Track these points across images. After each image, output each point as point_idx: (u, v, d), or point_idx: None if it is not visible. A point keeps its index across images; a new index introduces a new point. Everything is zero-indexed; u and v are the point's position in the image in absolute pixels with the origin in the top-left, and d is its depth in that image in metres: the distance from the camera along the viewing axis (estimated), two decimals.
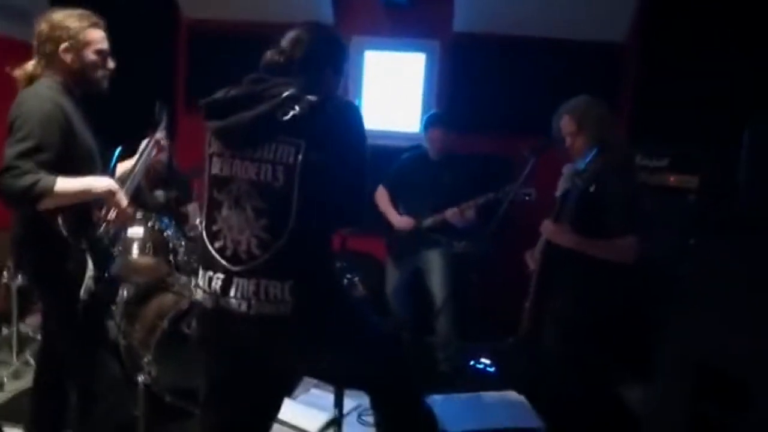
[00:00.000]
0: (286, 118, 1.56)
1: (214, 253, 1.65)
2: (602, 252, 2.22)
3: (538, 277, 2.44)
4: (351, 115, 1.66)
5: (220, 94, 1.66)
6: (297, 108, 1.57)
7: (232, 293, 1.60)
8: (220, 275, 1.62)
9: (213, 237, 1.66)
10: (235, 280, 1.60)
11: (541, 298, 2.44)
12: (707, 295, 1.99)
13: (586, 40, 4.09)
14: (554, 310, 2.37)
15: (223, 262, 1.63)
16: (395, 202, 3.62)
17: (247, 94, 1.62)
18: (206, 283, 1.65)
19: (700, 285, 2.07)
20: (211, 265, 1.65)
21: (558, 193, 2.45)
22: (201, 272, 1.69)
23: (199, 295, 1.69)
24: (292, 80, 1.62)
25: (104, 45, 2.07)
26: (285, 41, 1.71)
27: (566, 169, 2.41)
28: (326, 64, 1.73)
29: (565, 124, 2.36)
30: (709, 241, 2.19)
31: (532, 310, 2.47)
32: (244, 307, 1.58)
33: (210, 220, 1.68)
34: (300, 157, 1.57)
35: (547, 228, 2.36)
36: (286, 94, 1.57)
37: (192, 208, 3.65)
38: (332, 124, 1.60)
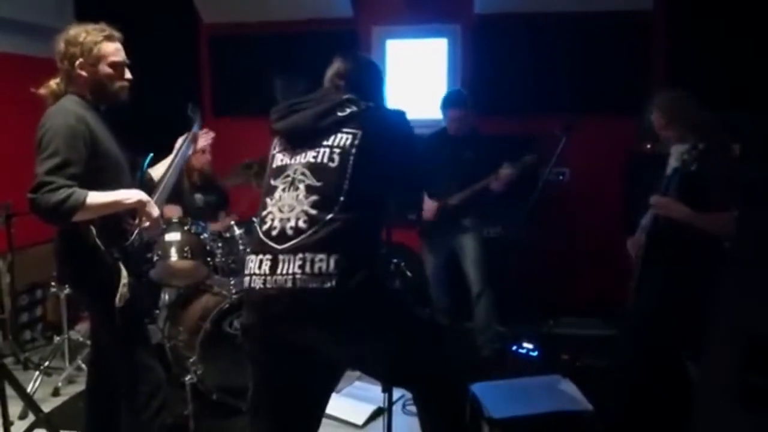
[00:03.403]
0: (344, 113, 1.73)
1: (262, 236, 1.72)
2: (710, 225, 2.26)
3: (644, 257, 2.46)
4: (402, 117, 1.84)
5: (286, 102, 1.84)
6: (354, 107, 1.75)
7: (278, 270, 1.65)
8: (269, 256, 1.68)
9: (262, 221, 1.75)
10: (281, 257, 1.66)
11: (644, 278, 2.47)
12: (754, 265, 1.93)
13: (612, 11, 3.98)
14: (653, 288, 2.41)
15: (270, 243, 1.69)
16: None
17: (310, 99, 1.80)
18: (257, 266, 1.70)
19: (747, 254, 2.01)
20: (260, 248, 1.72)
21: (668, 172, 2.46)
22: (250, 258, 1.75)
23: (247, 280, 1.73)
24: (350, 92, 1.81)
25: (119, 57, 2.07)
26: (333, 74, 1.90)
27: (674, 149, 2.43)
28: (373, 83, 1.93)
29: (655, 118, 2.45)
30: (754, 209, 2.12)
31: (637, 289, 2.50)
32: (289, 283, 1.63)
33: (262, 207, 1.78)
34: (356, 142, 1.71)
35: (659, 201, 2.39)
36: (346, 96, 1.78)
37: (222, 215, 3.71)
38: (386, 122, 1.80)
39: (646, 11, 3.99)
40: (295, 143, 1.79)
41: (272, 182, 1.79)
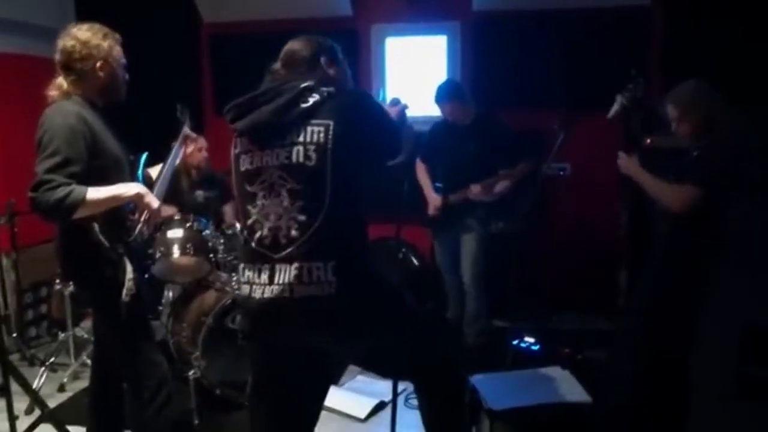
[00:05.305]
0: (307, 105, 1.64)
1: (254, 245, 1.68)
2: (653, 189, 2.36)
3: (631, 251, 2.56)
4: (366, 95, 1.81)
5: (241, 98, 1.73)
6: (316, 95, 1.65)
7: (276, 280, 1.63)
8: (267, 265, 1.65)
9: (251, 230, 1.70)
10: (278, 266, 1.63)
11: (635, 269, 2.52)
12: (752, 256, 1.94)
13: (610, 6, 3.99)
14: (649, 280, 2.44)
15: (264, 251, 1.66)
16: (432, 173, 3.54)
17: (266, 91, 1.70)
18: (256, 275, 1.67)
19: (745, 246, 2.02)
20: (254, 258, 1.68)
21: (610, 116, 2.64)
22: (246, 267, 1.71)
23: (246, 289, 1.70)
24: (306, 76, 1.70)
25: (125, 59, 2.16)
26: (280, 59, 1.80)
27: (618, 97, 2.62)
28: (320, 57, 1.79)
29: (669, 111, 2.47)
30: (752, 200, 2.14)
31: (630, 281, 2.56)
32: (287, 292, 1.61)
33: (245, 215, 1.72)
34: (330, 134, 1.62)
35: (621, 160, 2.55)
36: (303, 85, 1.66)
37: (228, 208, 3.75)
38: (353, 104, 1.71)
39: (643, 6, 4.00)
40: (261, 143, 1.69)
41: (249, 188, 1.70)
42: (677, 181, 2.32)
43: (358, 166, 1.69)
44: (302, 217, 1.62)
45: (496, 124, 3.43)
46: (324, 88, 1.67)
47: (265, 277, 1.65)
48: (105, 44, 2.05)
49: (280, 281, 1.62)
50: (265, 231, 1.66)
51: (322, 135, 1.63)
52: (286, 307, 1.63)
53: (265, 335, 1.74)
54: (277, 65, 1.79)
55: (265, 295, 1.64)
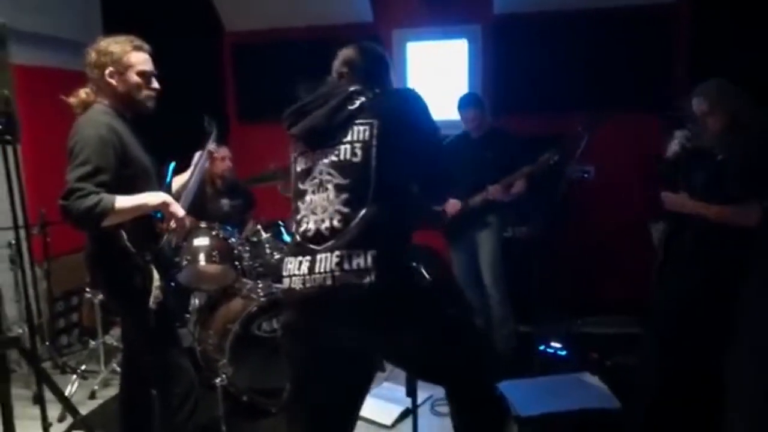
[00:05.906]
0: (355, 106, 1.74)
1: (299, 239, 1.75)
2: (719, 217, 2.29)
3: (665, 254, 2.50)
4: (414, 96, 1.83)
5: (293, 107, 1.84)
6: (362, 97, 1.75)
7: (317, 269, 1.67)
8: (308, 257, 1.70)
9: (297, 225, 1.78)
10: (319, 256, 1.68)
11: (667, 274, 2.49)
12: None
13: (634, 5, 3.94)
14: (678, 285, 2.42)
15: (308, 244, 1.72)
16: None
17: (318, 97, 1.80)
18: (296, 267, 1.72)
19: None
20: (298, 251, 1.74)
21: (668, 155, 2.53)
22: (289, 261, 1.76)
23: (286, 282, 1.75)
24: (355, 82, 1.81)
25: (147, 66, 2.14)
26: (338, 63, 1.90)
27: (678, 134, 2.51)
28: (378, 73, 1.89)
29: (697, 104, 2.46)
30: None
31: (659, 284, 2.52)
32: (329, 280, 1.65)
33: (296, 212, 1.80)
34: (375, 132, 1.71)
35: (668, 198, 2.47)
36: (352, 89, 1.77)
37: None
38: (400, 105, 1.79)
39: (669, 4, 3.94)
40: (314, 144, 1.80)
41: (300, 186, 1.80)
42: (712, 187, 2.28)
43: (403, 163, 1.74)
44: (346, 210, 1.68)
45: (507, 135, 3.56)
46: (370, 91, 1.77)
47: (305, 267, 1.69)
48: (116, 50, 2.07)
49: (321, 270, 1.66)
50: (311, 224, 1.72)
51: (367, 133, 1.72)
52: (328, 295, 1.65)
53: (307, 326, 1.75)
54: (345, 69, 1.88)
55: (307, 285, 1.68)
